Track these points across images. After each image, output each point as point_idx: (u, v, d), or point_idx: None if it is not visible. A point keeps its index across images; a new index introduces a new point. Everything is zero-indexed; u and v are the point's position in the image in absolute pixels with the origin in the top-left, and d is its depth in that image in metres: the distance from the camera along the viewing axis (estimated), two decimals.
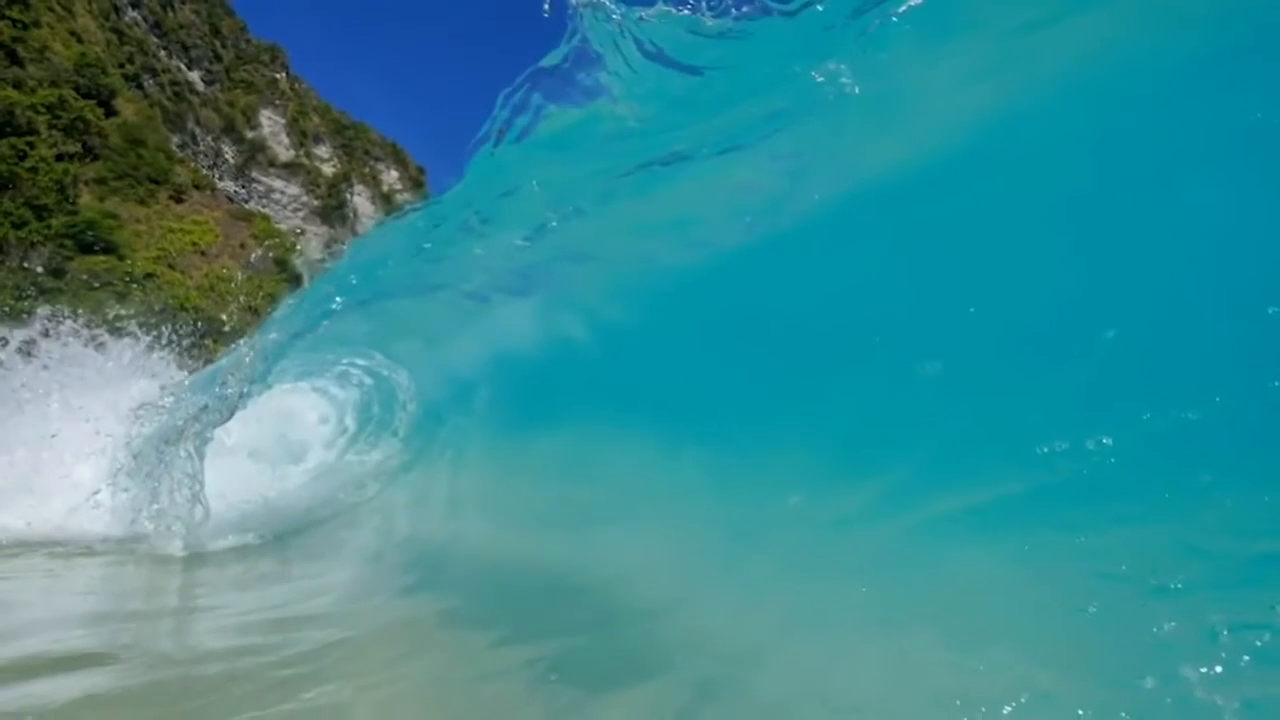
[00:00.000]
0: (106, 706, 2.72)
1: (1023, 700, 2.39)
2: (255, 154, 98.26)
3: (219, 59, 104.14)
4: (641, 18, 4.36)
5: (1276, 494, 2.63)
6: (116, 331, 11.03)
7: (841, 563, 3.73)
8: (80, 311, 11.82)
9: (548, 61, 4.80)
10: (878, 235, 4.84)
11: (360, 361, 10.64)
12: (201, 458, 6.66)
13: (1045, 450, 3.22)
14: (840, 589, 3.52)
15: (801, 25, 4.22)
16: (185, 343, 11.56)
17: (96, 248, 59.43)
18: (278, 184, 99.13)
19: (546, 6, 4.40)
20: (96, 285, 53.17)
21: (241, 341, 7.77)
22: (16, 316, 11.70)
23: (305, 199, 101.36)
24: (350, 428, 11.22)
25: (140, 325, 11.23)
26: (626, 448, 6.18)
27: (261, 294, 60.30)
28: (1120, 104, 3.61)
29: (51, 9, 72.88)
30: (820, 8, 4.09)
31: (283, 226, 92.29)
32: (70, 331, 10.49)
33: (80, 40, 75.20)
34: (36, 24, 68.25)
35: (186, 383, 8.75)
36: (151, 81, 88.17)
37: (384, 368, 10.51)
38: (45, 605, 4.65)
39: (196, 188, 79.90)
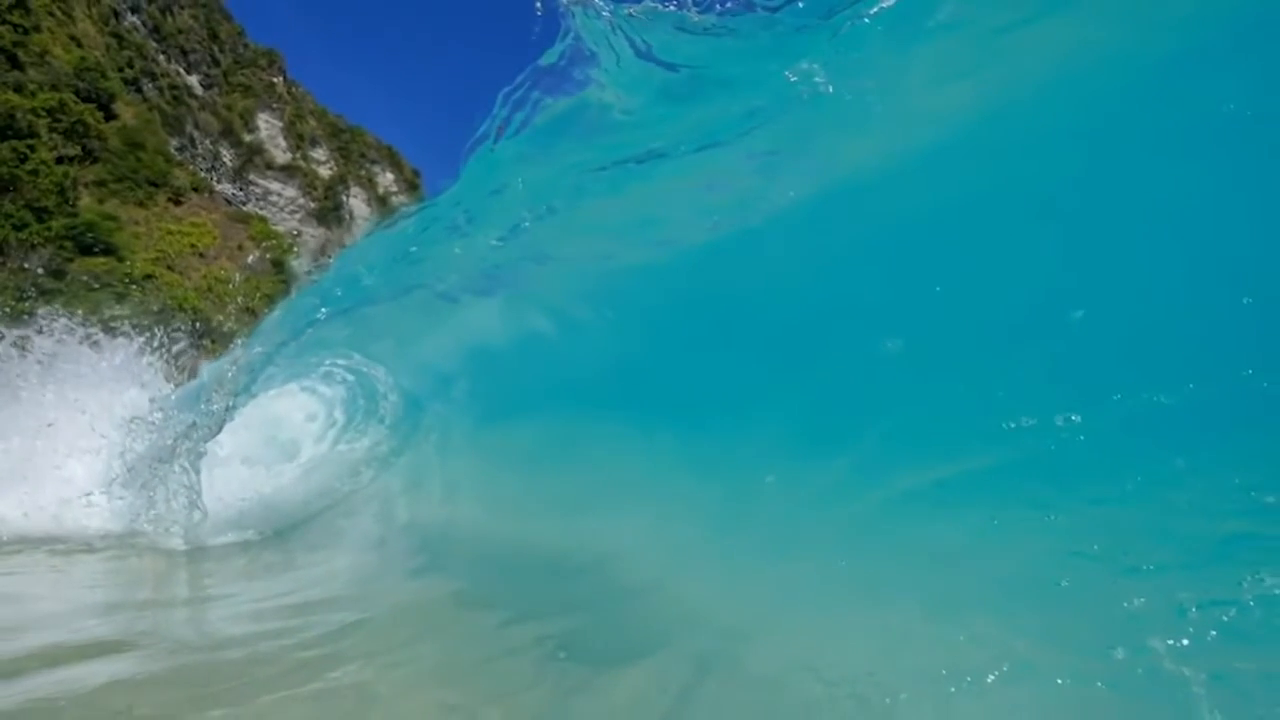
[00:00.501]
0: (135, 690, 2.76)
1: (1005, 669, 2.45)
2: (253, 157, 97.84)
3: (217, 63, 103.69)
4: (630, 13, 4.40)
5: (1245, 477, 2.67)
6: (111, 331, 11.00)
7: (819, 538, 3.80)
8: (79, 311, 11.77)
9: (546, 60, 4.83)
10: (852, 227, 4.88)
11: (341, 361, 10.67)
12: (197, 472, 6.71)
13: (1012, 426, 3.28)
14: (820, 563, 3.59)
15: (782, 24, 4.25)
16: (175, 349, 11.50)
17: (96, 249, 59.14)
18: (275, 186, 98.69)
19: (539, 4, 4.44)
20: (96, 286, 52.86)
21: (226, 356, 7.78)
22: (17, 317, 11.63)
23: (302, 201, 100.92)
24: (339, 420, 11.26)
25: (134, 327, 11.20)
26: (606, 433, 6.25)
27: (259, 295, 60.10)
28: (1090, 99, 3.64)
29: (52, 14, 72.55)
30: (801, 4, 4.12)
31: (280, 228, 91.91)
32: (65, 329, 10.46)
33: (80, 45, 74.83)
34: (37, 28, 67.92)
35: (173, 398, 8.75)
36: (150, 85, 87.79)
37: (363, 365, 10.54)
38: (56, 598, 4.67)
39: (195, 190, 79.67)
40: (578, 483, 6.10)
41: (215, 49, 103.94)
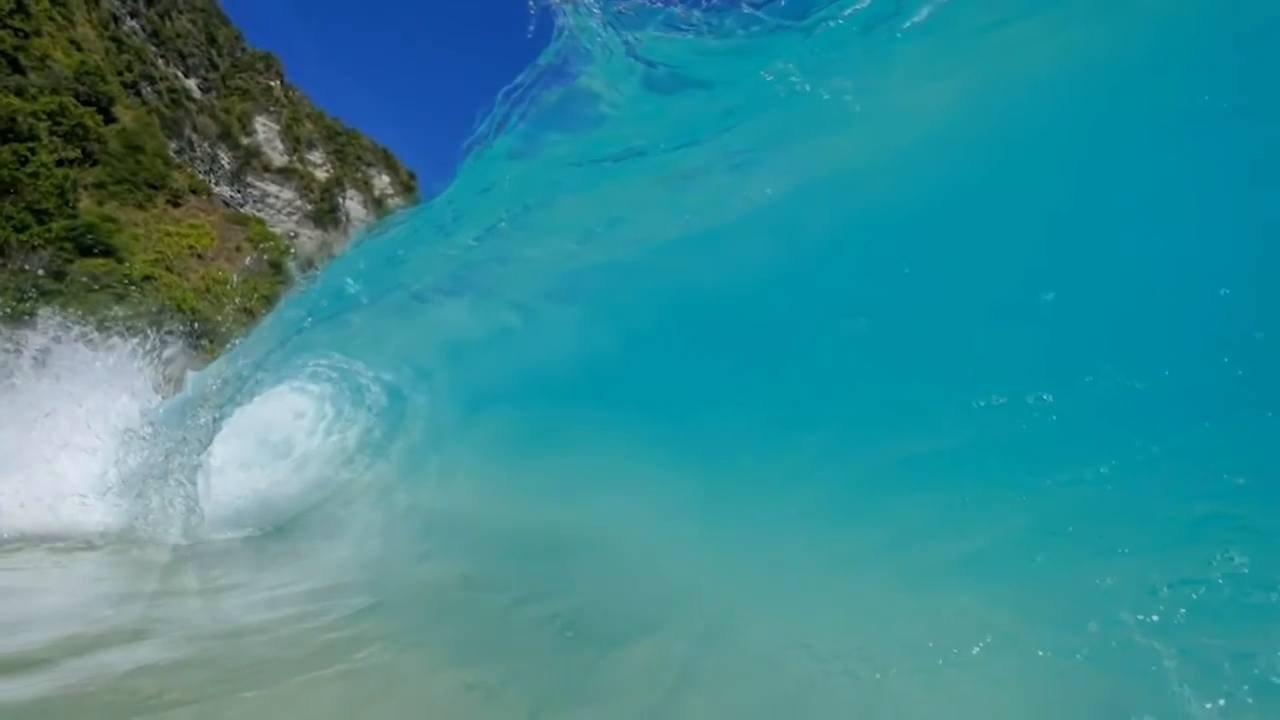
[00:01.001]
0: (163, 674, 2.84)
1: (989, 640, 2.51)
2: (250, 159, 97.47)
3: (215, 67, 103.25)
4: (620, 10, 4.43)
5: (1216, 459, 2.73)
6: (106, 330, 11.00)
7: (799, 515, 3.83)
8: (78, 311, 11.77)
9: (544, 59, 4.87)
10: (826, 222, 4.89)
11: (323, 361, 10.65)
12: (193, 483, 6.76)
13: (982, 404, 3.32)
14: (803, 540, 3.63)
15: (762, 23, 4.28)
16: (165, 354, 11.46)
17: (96, 251, 58.86)
18: (272, 189, 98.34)
19: (531, 3, 4.47)
20: (96, 287, 52.67)
21: (210, 366, 7.77)
22: (18, 318, 11.63)
23: (299, 203, 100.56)
24: (329, 412, 11.30)
25: (150, 323, 11.20)
26: (585, 421, 6.29)
27: (257, 295, 59.90)
28: (1063, 95, 3.67)
29: (52, 18, 72.16)
30: (783, 2, 4.16)
31: (277, 230, 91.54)
32: (60, 327, 10.48)
33: (80, 49, 74.44)
34: (38, 33, 67.58)
35: (160, 410, 8.73)
36: (149, 89, 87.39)
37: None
38: (65, 591, 4.70)
39: (193, 192, 79.31)
40: (567, 468, 6.11)
41: (213, 53, 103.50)
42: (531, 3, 4.47)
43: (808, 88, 4.36)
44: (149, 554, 5.91)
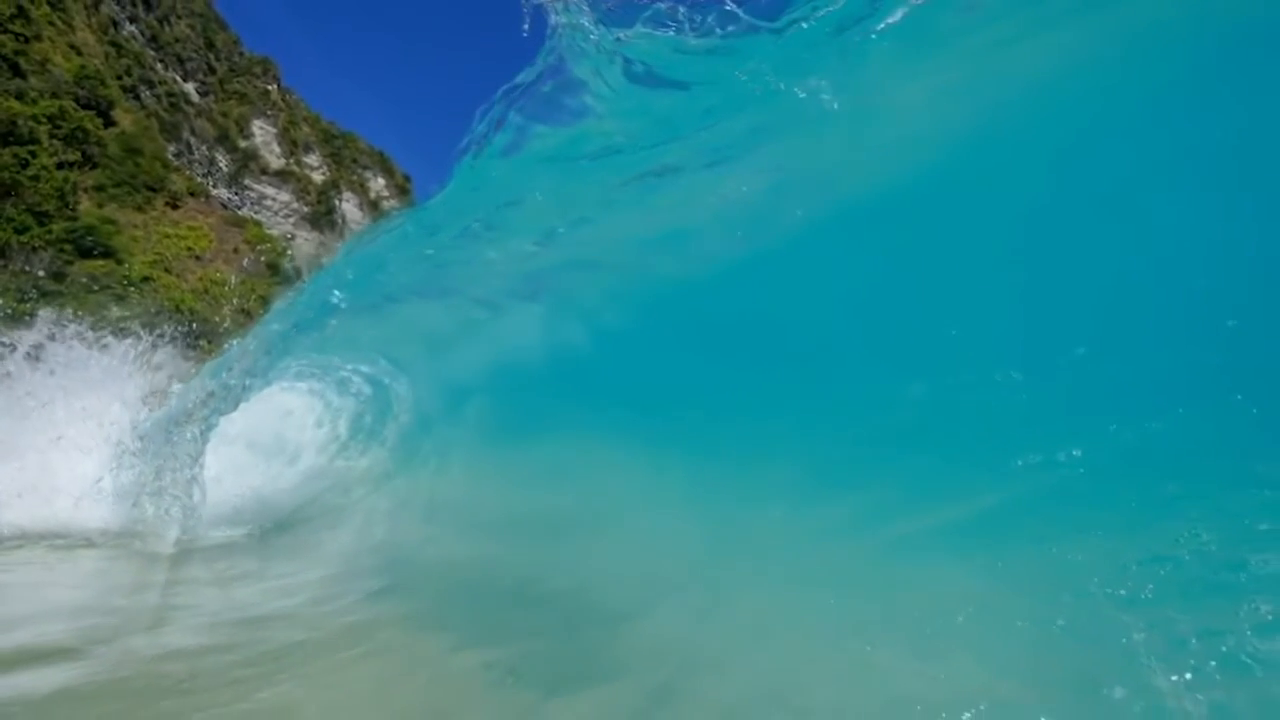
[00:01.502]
0: (79, 701, 2.74)
1: (981, 708, 2.37)
2: (248, 162, 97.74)
3: (213, 71, 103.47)
4: (619, 38, 4.32)
5: (1240, 503, 2.64)
6: (120, 332, 10.98)
7: (815, 574, 3.74)
8: (78, 311, 11.83)
9: (522, 78, 4.78)
10: (857, 250, 4.88)
11: (364, 368, 10.61)
12: (205, 442, 6.71)
13: (1019, 464, 3.26)
14: (809, 599, 3.52)
15: (787, 42, 4.18)
16: (183, 343, 11.57)
17: (96, 252, 58.96)
18: (269, 191, 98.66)
19: (525, 26, 4.33)
20: (96, 288, 52.89)
21: (249, 335, 7.71)
22: (19, 318, 11.81)
23: (296, 205, 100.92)
24: (342, 435, 11.15)
25: (143, 325, 11.22)
26: (611, 457, 6.18)
27: (254, 296, 60.06)
28: (1093, 120, 3.64)
29: (52, 23, 72.19)
30: (805, 25, 4.06)
31: (274, 232, 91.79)
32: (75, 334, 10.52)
33: (80, 53, 74.44)
34: (38, 37, 67.57)
35: (147, 424, 8.71)
36: (148, 93, 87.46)
37: (385, 375, 10.46)
38: (36, 599, 4.65)
39: (192, 195, 79.36)
40: (571, 507, 6.06)
41: (211, 57, 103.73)
42: (525, 27, 4.33)
43: (785, 87, 4.35)
44: (151, 549, 5.96)
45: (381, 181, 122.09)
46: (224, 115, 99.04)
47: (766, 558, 4.02)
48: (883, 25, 3.88)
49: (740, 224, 5.53)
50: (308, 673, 3.11)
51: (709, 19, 4.13)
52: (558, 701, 2.83)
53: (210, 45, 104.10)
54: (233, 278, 69.92)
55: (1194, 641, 2.29)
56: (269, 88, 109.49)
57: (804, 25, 4.06)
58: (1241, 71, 3.12)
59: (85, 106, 68.26)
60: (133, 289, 57.20)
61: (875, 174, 4.58)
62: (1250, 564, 2.42)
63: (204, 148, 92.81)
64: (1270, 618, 2.24)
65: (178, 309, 54.40)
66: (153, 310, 45.43)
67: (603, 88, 4.71)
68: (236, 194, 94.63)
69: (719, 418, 5.35)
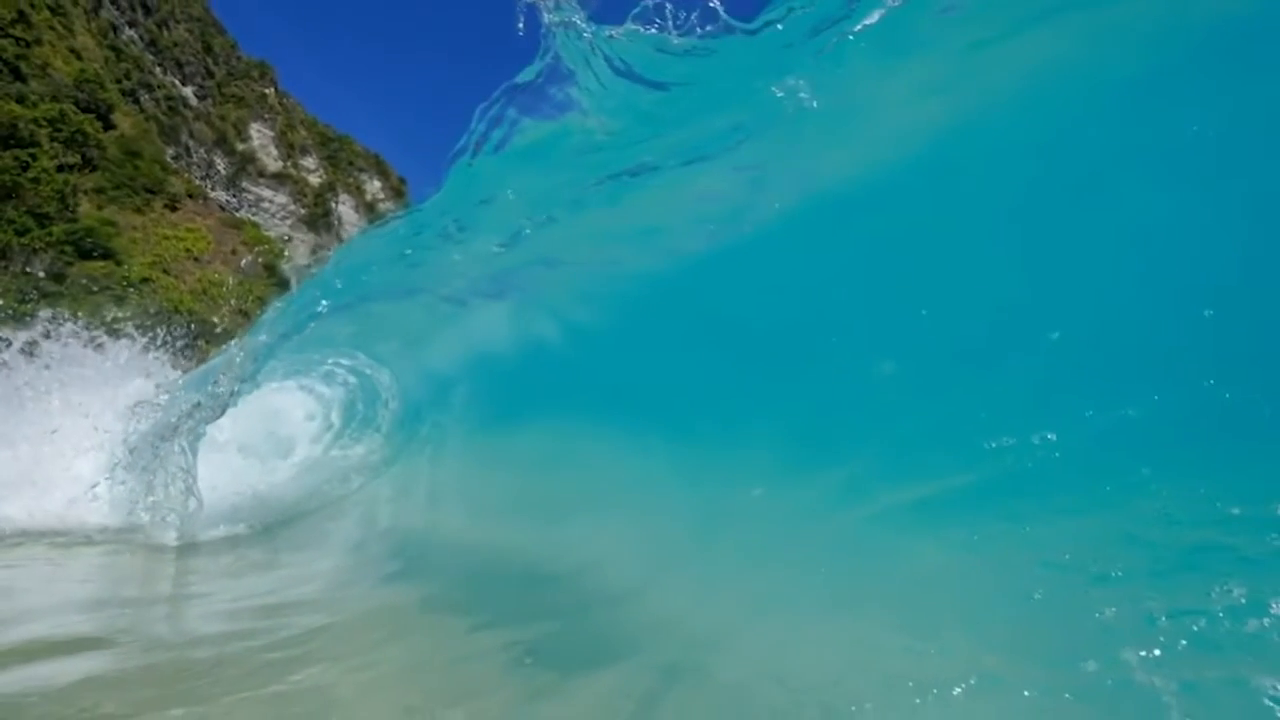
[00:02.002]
0: (106, 688, 2.68)
1: (972, 682, 2.38)
2: (245, 165, 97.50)
3: (211, 75, 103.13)
4: (611, 35, 4.33)
5: (1212, 486, 2.64)
6: (115, 333, 10.94)
7: (799, 552, 3.73)
8: (80, 314, 11.75)
9: (522, 78, 4.77)
10: (834, 243, 4.86)
11: (345, 361, 10.56)
12: (195, 453, 6.58)
13: (993, 445, 3.25)
14: (797, 577, 3.52)
15: (764, 42, 4.21)
16: (179, 344, 11.50)
17: (95, 254, 58.81)
18: (267, 193, 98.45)
19: (520, 25, 4.36)
20: (95, 289, 52.75)
21: (233, 342, 7.70)
22: (20, 319, 11.69)
23: (293, 207, 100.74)
24: (336, 424, 11.11)
25: (137, 327, 11.15)
26: (597, 443, 6.18)
27: (252, 297, 59.87)
28: (1064, 118, 3.64)
29: (52, 27, 71.92)
30: (780, 26, 4.08)
31: (271, 234, 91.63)
32: (70, 333, 10.43)
33: (80, 57, 74.17)
34: (38, 42, 67.34)
35: (180, 381, 8.67)
36: (147, 96, 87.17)
37: (367, 367, 10.46)
38: (46, 592, 4.58)
39: (190, 197, 79.18)
40: (564, 491, 6.04)
41: (209, 61, 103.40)
42: (520, 26, 4.38)
43: (816, 104, 4.37)
44: (139, 555, 5.80)
45: (377, 184, 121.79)
46: (222, 118, 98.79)
47: (750, 536, 4.03)
48: (860, 26, 3.90)
49: (719, 218, 5.60)
50: (336, 655, 3.11)
51: (693, 15, 4.16)
52: (576, 681, 2.83)
53: (208, 49, 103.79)
54: (230, 279, 69.73)
55: (1164, 620, 2.28)
56: (266, 91, 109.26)
57: (779, 27, 4.09)
58: (1217, 68, 3.14)
59: (85, 110, 68.03)
60: (132, 290, 57.07)
61: (853, 168, 4.63)
62: (1222, 547, 2.43)
63: (202, 150, 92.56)
64: (1243, 600, 2.25)
65: (176, 310, 54.27)
66: (151, 311, 45.31)
67: (593, 83, 4.72)
68: (234, 196, 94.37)
69: (698, 403, 5.39)
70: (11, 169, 55.58)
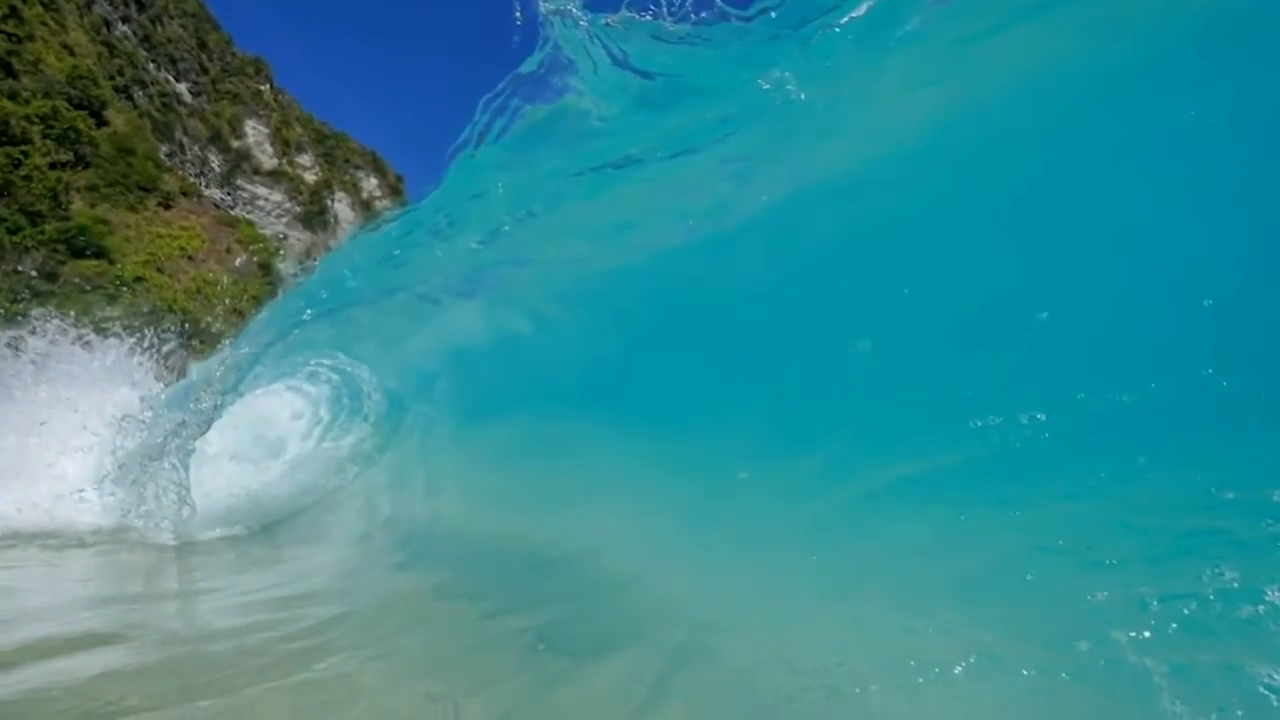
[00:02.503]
0: (128, 680, 2.73)
1: (972, 661, 2.44)
2: (240, 163, 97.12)
3: (206, 72, 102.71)
4: (607, 22, 4.37)
5: (1205, 471, 2.69)
6: (102, 331, 10.94)
7: (792, 532, 3.80)
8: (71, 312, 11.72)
9: (526, 68, 4.81)
10: (823, 230, 4.90)
11: (325, 361, 10.62)
12: (186, 469, 6.62)
13: (978, 424, 3.30)
14: (792, 557, 3.59)
15: (752, 33, 4.25)
16: (165, 349, 11.46)
17: (88, 252, 58.57)
18: (262, 191, 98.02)
19: (518, 15, 4.40)
20: (88, 289, 52.56)
21: (214, 357, 7.73)
22: (11, 318, 11.63)
23: (288, 206, 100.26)
24: (324, 418, 11.18)
25: (125, 328, 11.14)
26: (586, 432, 6.25)
27: (246, 297, 59.82)
28: (1053, 108, 3.68)
29: (45, 23, 71.60)
30: (774, 15, 4.14)
31: (267, 232, 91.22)
32: (57, 329, 10.43)
33: (72, 53, 73.89)
34: (30, 37, 67.07)
35: (163, 397, 8.68)
36: (141, 93, 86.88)
37: (347, 365, 10.50)
38: (49, 592, 4.62)
39: (184, 195, 78.88)
40: (557, 479, 6.09)
41: (204, 57, 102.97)
42: (518, 15, 4.40)
43: (804, 96, 4.40)
44: (137, 555, 5.84)
45: (374, 181, 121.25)
46: (216, 115, 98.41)
47: (743, 518, 4.11)
48: (846, 19, 3.96)
49: (700, 213, 5.66)
50: (355, 644, 3.17)
51: (687, 3, 4.20)
52: (588, 666, 2.90)
53: (203, 45, 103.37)
54: (225, 278, 69.53)
55: (1155, 604, 2.36)
56: (261, 88, 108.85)
57: (772, 15, 4.15)
58: (1209, 59, 3.19)
59: (78, 106, 67.76)
60: (125, 289, 56.89)
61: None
62: (1215, 531, 2.49)
63: (196, 148, 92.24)
64: (1235, 585, 2.30)
65: (170, 309, 54.15)
66: (144, 310, 45.19)
67: (590, 71, 4.77)
68: (229, 194, 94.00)
69: (685, 389, 5.48)
70: (3, 167, 55.43)
